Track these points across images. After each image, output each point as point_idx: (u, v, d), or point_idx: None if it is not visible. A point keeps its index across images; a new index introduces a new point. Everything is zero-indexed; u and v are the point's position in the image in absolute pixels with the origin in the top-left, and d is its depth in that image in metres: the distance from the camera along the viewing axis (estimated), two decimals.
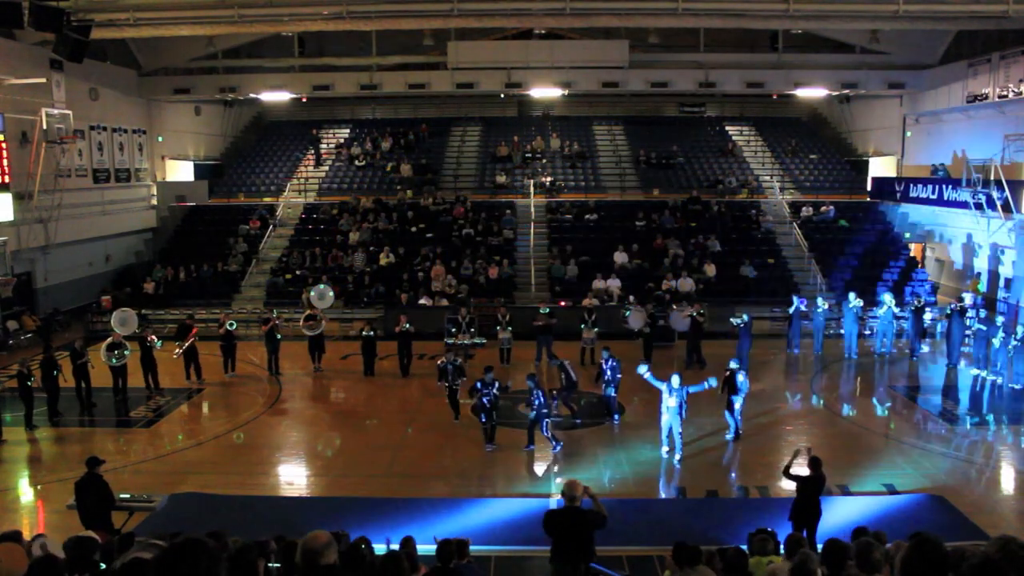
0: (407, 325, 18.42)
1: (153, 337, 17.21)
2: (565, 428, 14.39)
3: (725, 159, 31.94)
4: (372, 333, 18.60)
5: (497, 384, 13.63)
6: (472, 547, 7.37)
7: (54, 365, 15.21)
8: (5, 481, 12.61)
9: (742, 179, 30.30)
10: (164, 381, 17.34)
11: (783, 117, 35.33)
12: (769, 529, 7.62)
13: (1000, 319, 20.05)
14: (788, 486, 9.75)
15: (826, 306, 20.43)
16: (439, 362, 15.17)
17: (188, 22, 22.12)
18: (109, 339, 16.49)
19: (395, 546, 6.83)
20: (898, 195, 27.74)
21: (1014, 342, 16.62)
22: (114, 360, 16.16)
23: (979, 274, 23.85)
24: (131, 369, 16.69)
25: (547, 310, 19.71)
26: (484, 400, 13.36)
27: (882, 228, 27.37)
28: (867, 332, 20.94)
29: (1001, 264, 22.99)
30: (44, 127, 21.62)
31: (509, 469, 12.79)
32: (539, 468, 12.85)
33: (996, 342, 17.12)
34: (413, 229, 27.19)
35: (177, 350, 17.71)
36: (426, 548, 7.44)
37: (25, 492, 12.38)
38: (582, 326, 19.44)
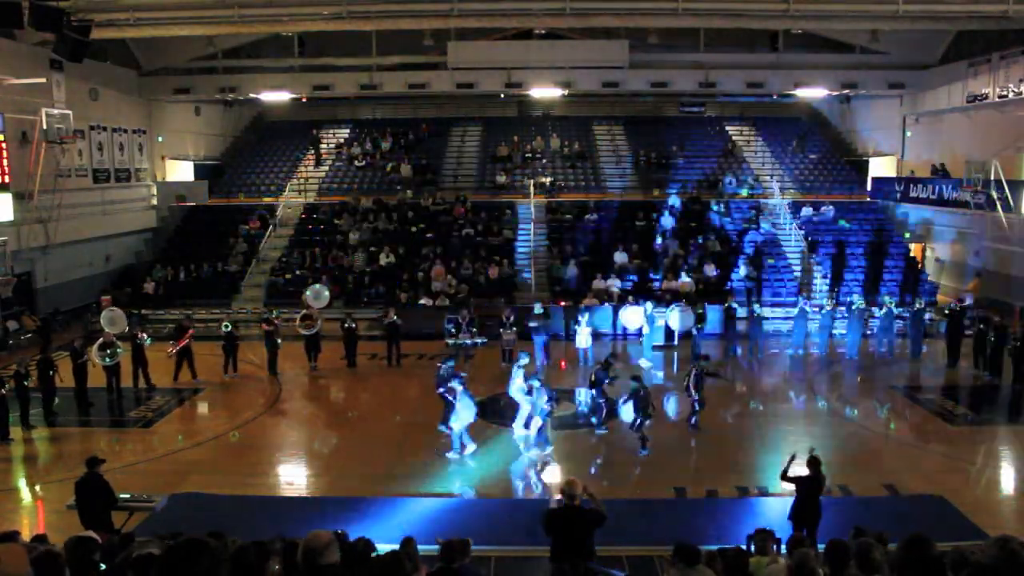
0: (395, 317, 19.11)
1: (143, 335, 17.23)
2: (563, 427, 14.40)
3: (725, 159, 31.95)
4: (354, 325, 19.14)
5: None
6: (472, 547, 7.36)
7: (51, 365, 15.20)
8: (5, 481, 12.61)
9: (742, 179, 30.32)
10: (160, 382, 17.37)
11: (783, 117, 35.34)
12: (769, 529, 7.61)
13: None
14: (788, 487, 9.75)
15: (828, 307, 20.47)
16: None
17: (188, 22, 22.12)
18: (100, 339, 16.52)
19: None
20: (898, 195, 27.74)
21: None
22: (107, 360, 16.17)
23: (978, 273, 23.84)
24: (125, 369, 16.74)
25: (541, 310, 19.70)
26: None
27: (882, 228, 27.37)
28: (869, 332, 20.92)
29: None
30: (44, 127, 21.61)
31: (509, 469, 12.79)
32: (539, 468, 12.86)
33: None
34: (413, 229, 27.19)
35: (171, 350, 17.71)
36: (427, 548, 7.43)
37: (25, 492, 12.37)
38: (576, 326, 19.38)
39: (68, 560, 4.61)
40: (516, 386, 13.77)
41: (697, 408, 14.19)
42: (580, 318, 19.21)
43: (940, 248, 26.96)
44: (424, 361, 19.38)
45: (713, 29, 26.91)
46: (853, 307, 19.81)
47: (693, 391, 14.03)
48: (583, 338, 18.96)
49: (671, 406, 16.03)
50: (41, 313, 22.55)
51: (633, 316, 20.66)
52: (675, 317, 20.32)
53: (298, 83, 29.33)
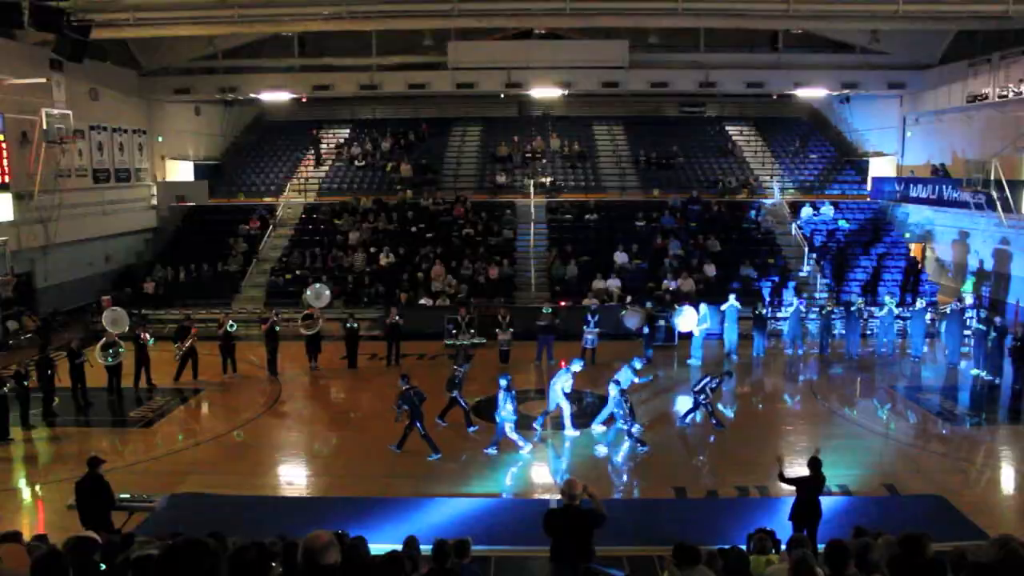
0: (397, 317, 19.23)
1: (146, 335, 17.23)
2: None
3: (725, 159, 31.95)
4: (355, 325, 19.16)
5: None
6: (472, 547, 7.36)
7: (50, 365, 15.21)
8: (5, 481, 12.60)
9: (742, 179, 30.31)
10: (161, 382, 17.36)
11: (783, 117, 35.32)
12: (769, 529, 7.61)
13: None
14: (788, 487, 9.75)
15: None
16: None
17: (188, 22, 22.09)
18: (103, 339, 16.52)
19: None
20: (898, 195, 27.74)
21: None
22: (109, 359, 16.18)
23: (975, 274, 23.82)
24: (126, 369, 16.75)
25: (550, 310, 19.72)
26: None
27: (882, 228, 27.35)
28: (868, 332, 20.91)
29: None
30: (44, 127, 21.58)
31: (509, 469, 12.79)
32: (540, 469, 12.86)
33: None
34: (413, 229, 27.19)
35: (177, 352, 17.70)
36: (429, 549, 7.43)
37: (25, 492, 12.36)
38: (584, 326, 19.41)
39: (68, 560, 4.61)
40: (626, 376, 14.26)
41: (710, 410, 14.33)
42: (590, 318, 19.26)
43: (940, 248, 26.97)
44: (424, 361, 19.39)
45: (713, 29, 26.89)
46: (852, 307, 19.80)
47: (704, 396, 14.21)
48: (590, 338, 19.04)
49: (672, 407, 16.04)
50: (41, 313, 22.54)
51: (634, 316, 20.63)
52: (677, 318, 20.28)
53: (298, 83, 29.29)
